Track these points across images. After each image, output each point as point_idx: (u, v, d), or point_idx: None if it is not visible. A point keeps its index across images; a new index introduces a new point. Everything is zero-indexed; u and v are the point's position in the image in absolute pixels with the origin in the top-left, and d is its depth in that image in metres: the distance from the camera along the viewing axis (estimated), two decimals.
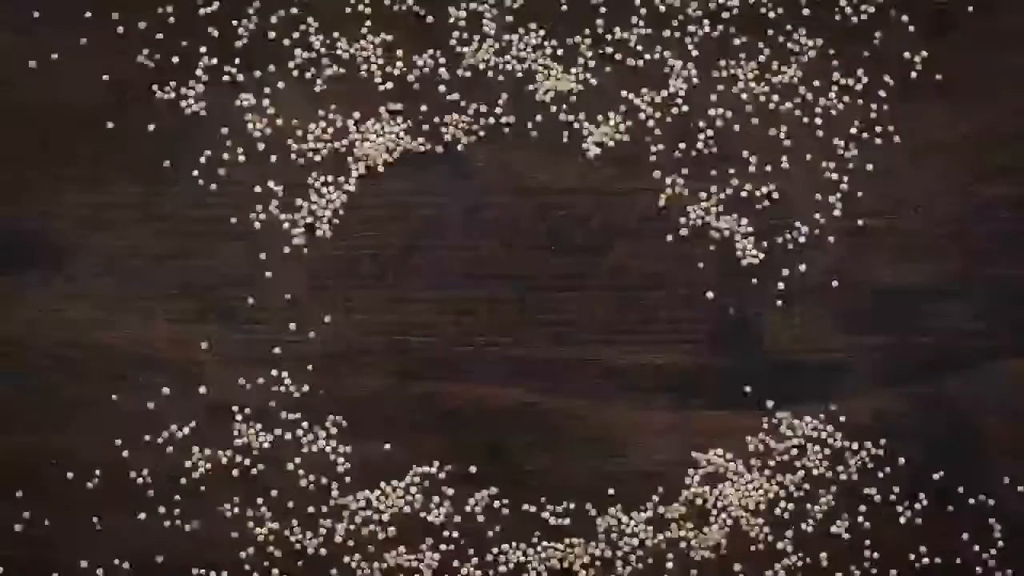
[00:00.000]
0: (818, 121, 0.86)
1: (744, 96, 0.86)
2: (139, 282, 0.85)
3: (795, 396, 0.85)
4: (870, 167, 0.86)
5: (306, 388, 0.85)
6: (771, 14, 0.86)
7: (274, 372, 0.85)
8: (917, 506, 0.85)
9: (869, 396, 0.85)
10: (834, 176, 0.85)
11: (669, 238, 0.86)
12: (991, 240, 0.86)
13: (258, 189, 0.85)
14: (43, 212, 0.85)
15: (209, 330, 0.85)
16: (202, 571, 0.84)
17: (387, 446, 0.85)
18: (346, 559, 0.85)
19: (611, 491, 0.85)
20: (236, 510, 0.84)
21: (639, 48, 0.86)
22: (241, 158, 0.85)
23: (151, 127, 0.85)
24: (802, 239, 0.85)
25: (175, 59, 0.85)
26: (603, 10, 0.86)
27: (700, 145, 0.86)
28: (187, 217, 0.85)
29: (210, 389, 0.85)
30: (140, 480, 0.84)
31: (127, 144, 0.85)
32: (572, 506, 0.84)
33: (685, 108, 0.86)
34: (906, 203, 0.85)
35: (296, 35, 0.86)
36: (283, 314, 0.85)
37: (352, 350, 0.85)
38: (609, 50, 0.86)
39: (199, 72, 0.85)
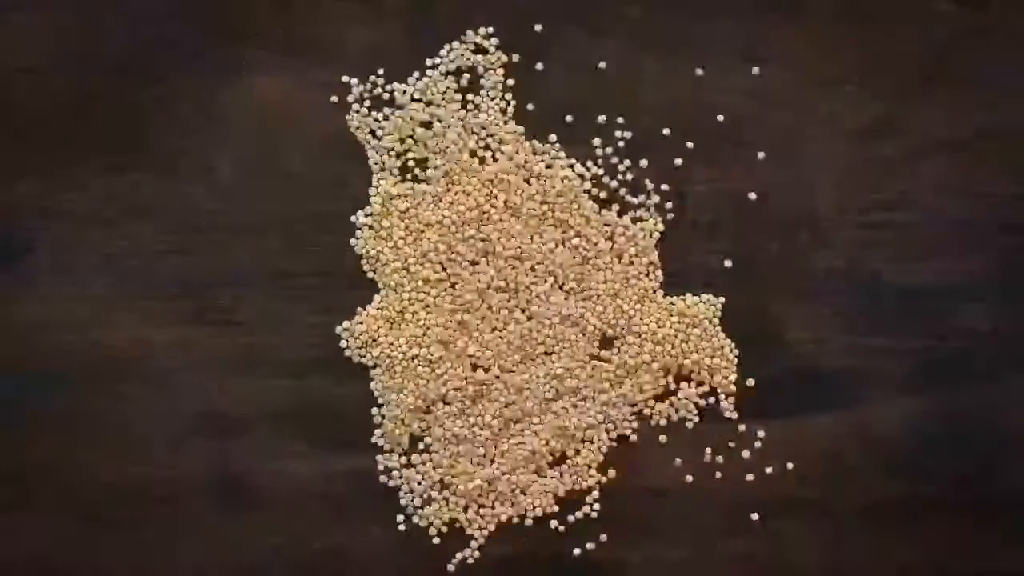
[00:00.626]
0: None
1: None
2: (138, 282, 0.85)
3: (812, 401, 0.84)
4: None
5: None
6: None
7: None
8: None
9: (888, 400, 0.84)
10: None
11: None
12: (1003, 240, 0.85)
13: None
14: (42, 211, 0.85)
15: (208, 330, 0.84)
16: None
17: None
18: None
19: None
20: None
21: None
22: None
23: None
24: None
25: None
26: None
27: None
28: (187, 216, 0.85)
29: (209, 390, 0.84)
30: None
31: (126, 142, 0.85)
32: None
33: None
34: (917, 201, 0.85)
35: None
36: (283, 315, 0.85)
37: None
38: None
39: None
